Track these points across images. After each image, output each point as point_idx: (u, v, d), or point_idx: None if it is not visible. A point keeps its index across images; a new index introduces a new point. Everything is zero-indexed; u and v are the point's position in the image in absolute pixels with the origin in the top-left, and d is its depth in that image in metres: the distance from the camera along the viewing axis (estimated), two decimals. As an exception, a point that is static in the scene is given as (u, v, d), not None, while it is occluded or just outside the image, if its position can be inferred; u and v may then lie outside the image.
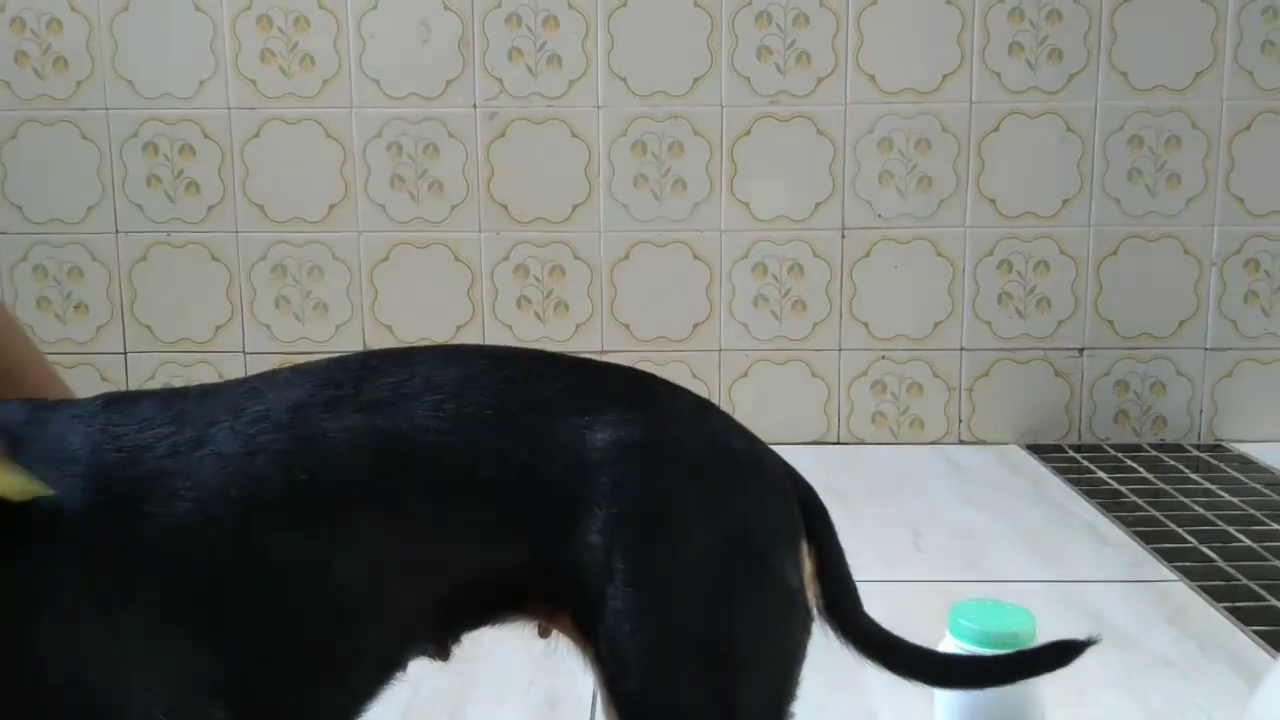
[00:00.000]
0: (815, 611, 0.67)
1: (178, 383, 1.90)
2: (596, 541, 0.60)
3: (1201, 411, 1.92)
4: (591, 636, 0.62)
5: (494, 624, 0.66)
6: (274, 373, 0.65)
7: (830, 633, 0.69)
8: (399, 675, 0.65)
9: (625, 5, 1.82)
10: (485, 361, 0.66)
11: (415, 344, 2.00)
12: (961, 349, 1.91)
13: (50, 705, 0.55)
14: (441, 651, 0.67)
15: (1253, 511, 1.59)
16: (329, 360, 0.66)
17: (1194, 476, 1.75)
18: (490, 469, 0.61)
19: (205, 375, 1.90)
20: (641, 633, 0.60)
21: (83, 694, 0.55)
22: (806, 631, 0.66)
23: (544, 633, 0.68)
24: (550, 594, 0.63)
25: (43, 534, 0.55)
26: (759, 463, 0.66)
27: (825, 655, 1.18)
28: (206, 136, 1.85)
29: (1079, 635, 1.22)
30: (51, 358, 1.85)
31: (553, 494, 0.61)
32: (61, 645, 0.55)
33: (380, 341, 1.89)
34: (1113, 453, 1.87)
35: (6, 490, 0.56)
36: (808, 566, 0.67)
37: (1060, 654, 0.70)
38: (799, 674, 0.65)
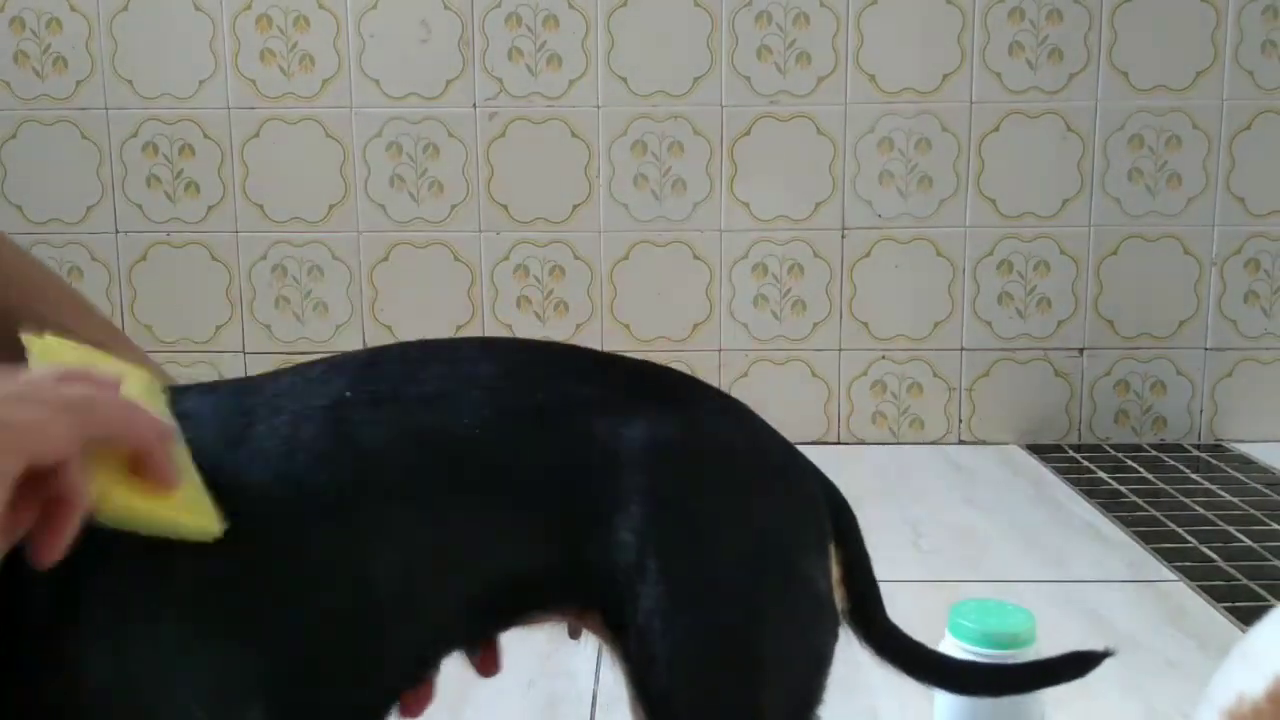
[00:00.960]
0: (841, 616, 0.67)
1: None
2: (629, 540, 0.60)
3: (1201, 411, 1.92)
4: (621, 634, 0.61)
5: (524, 624, 0.66)
6: (309, 366, 0.64)
7: (853, 637, 0.69)
8: (431, 674, 0.64)
9: (625, 5, 1.82)
10: (523, 355, 0.66)
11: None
12: (962, 349, 1.91)
13: (91, 711, 0.53)
14: (473, 651, 0.66)
15: (1253, 511, 1.58)
16: (367, 353, 0.66)
17: (1194, 476, 1.75)
18: (529, 467, 0.60)
19: (205, 375, 1.89)
20: (671, 631, 0.60)
21: (124, 698, 0.54)
22: (834, 636, 0.65)
23: (574, 633, 0.68)
24: (582, 592, 0.62)
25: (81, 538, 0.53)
26: (791, 467, 0.66)
27: (825, 655, 1.18)
28: (206, 136, 1.85)
29: (1079, 635, 1.22)
30: (51, 358, 1.85)
31: (589, 491, 0.61)
32: (103, 650, 0.53)
33: (380, 341, 1.88)
34: (1113, 453, 1.87)
35: (193, 527, 0.52)
36: (835, 572, 0.67)
37: (1078, 664, 0.71)
38: (826, 678, 0.65)
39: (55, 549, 0.48)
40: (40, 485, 0.47)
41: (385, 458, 0.60)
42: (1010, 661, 0.85)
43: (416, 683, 0.63)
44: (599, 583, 0.61)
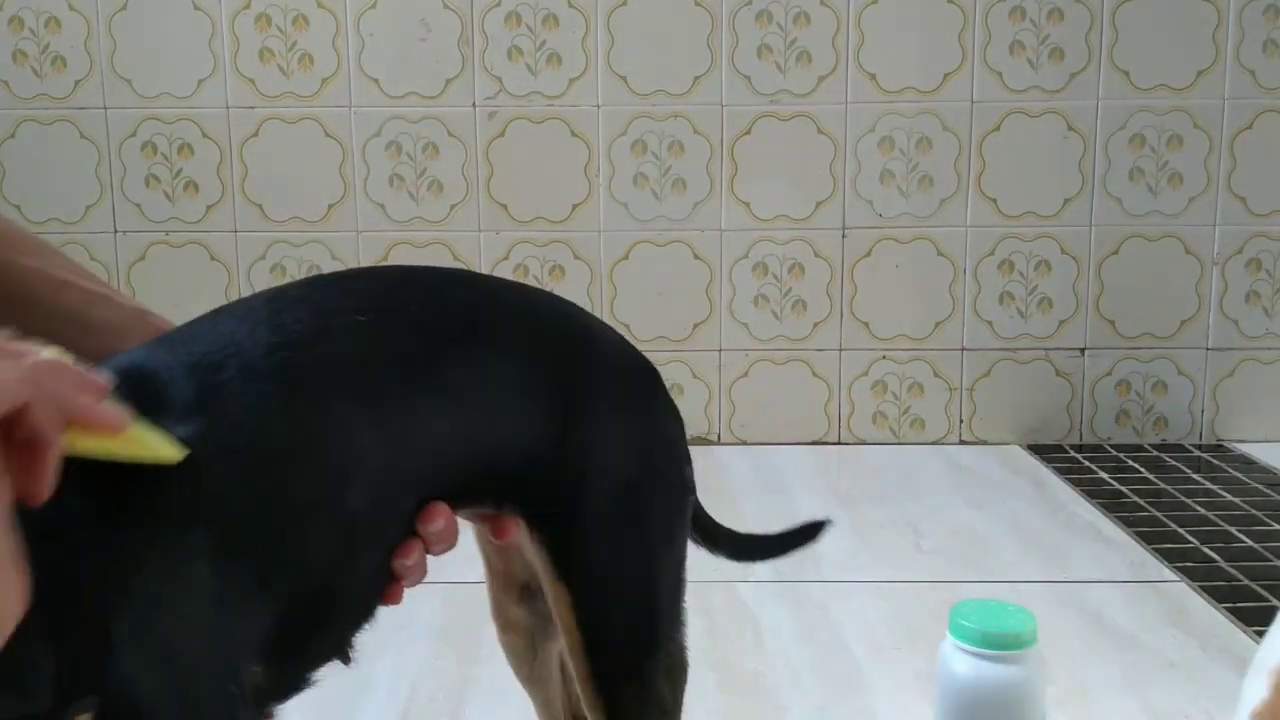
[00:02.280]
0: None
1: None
2: (553, 439, 0.67)
3: (1203, 411, 1.91)
4: (544, 528, 0.69)
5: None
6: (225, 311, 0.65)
7: None
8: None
9: (625, 4, 1.82)
10: (441, 275, 0.74)
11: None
12: (963, 349, 1.91)
13: (138, 701, 0.51)
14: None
15: (1254, 512, 1.58)
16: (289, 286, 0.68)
17: (1195, 477, 1.74)
18: (470, 370, 0.66)
19: (204, 375, 1.89)
20: (597, 521, 0.69)
21: (169, 682, 0.51)
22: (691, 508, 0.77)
23: (498, 534, 0.73)
24: (507, 490, 0.68)
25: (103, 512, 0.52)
26: (655, 368, 0.76)
27: (828, 657, 1.18)
28: (205, 136, 1.85)
29: (1081, 636, 1.22)
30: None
31: (518, 395, 0.67)
32: (148, 635, 0.51)
33: (379, 341, 1.88)
34: (1114, 453, 1.87)
35: (155, 454, 0.52)
36: None
37: (808, 532, 0.87)
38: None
39: (41, 486, 0.49)
40: (7, 437, 0.48)
41: (344, 359, 0.62)
42: (1008, 661, 0.85)
43: (382, 599, 0.66)
44: (533, 484, 0.68)
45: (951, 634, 0.89)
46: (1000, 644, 0.86)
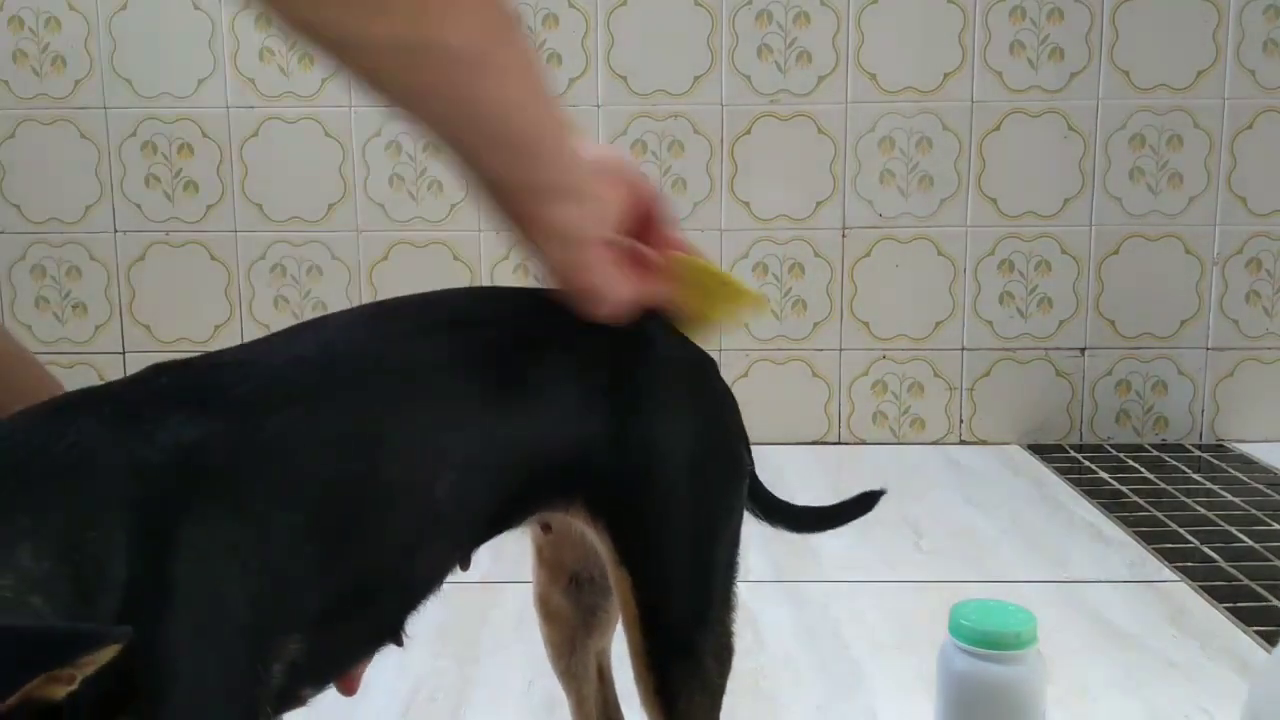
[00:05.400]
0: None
1: (176, 382, 1.89)
2: (618, 432, 0.70)
3: (1203, 411, 1.91)
4: (609, 516, 0.71)
5: (514, 527, 0.73)
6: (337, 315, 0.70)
7: None
8: (442, 585, 0.68)
9: (625, 4, 1.82)
10: (507, 298, 0.77)
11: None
12: (963, 349, 1.91)
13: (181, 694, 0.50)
14: (465, 561, 0.71)
15: (1254, 512, 1.58)
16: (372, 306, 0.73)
17: (1196, 477, 1.74)
18: (539, 377, 0.69)
19: (204, 375, 1.89)
20: (658, 507, 0.72)
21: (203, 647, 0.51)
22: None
23: (547, 529, 0.78)
24: (573, 484, 0.71)
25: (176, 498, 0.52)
26: (709, 355, 0.78)
27: (829, 658, 1.17)
28: (205, 135, 1.85)
29: (1080, 636, 1.22)
30: (49, 358, 1.84)
31: (585, 397, 0.70)
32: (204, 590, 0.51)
33: (379, 341, 1.88)
34: (1114, 453, 1.87)
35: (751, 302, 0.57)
36: None
37: (864, 503, 0.94)
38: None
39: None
40: None
41: (420, 369, 0.65)
42: (1008, 661, 0.85)
43: (433, 593, 0.68)
44: (591, 474, 0.70)
45: (951, 634, 0.89)
46: (1000, 644, 0.86)
